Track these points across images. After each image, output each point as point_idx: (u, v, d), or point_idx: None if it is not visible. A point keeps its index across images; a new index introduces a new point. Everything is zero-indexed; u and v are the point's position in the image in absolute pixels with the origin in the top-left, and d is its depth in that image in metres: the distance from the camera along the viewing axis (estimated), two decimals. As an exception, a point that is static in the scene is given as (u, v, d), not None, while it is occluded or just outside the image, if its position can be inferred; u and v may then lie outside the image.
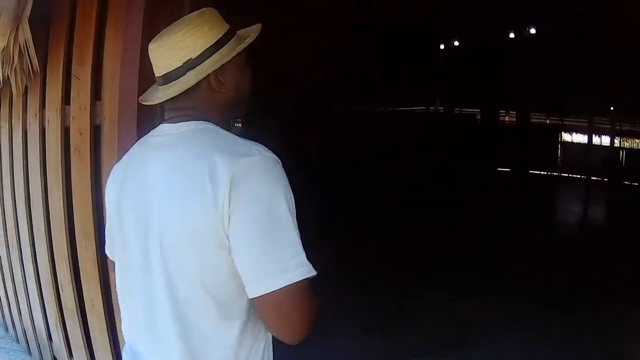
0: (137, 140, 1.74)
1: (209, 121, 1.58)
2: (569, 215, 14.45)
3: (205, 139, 1.53)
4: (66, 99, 3.42)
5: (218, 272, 1.47)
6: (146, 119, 2.41)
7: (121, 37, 2.64)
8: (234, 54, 1.60)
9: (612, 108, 19.94)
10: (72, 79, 3.20)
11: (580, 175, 20.39)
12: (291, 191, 1.48)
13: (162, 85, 1.62)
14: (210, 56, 1.57)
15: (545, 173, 21.23)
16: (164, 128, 1.62)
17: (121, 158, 1.73)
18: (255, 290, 1.44)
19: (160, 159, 1.56)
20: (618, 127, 20.80)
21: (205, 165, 1.43)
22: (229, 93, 1.63)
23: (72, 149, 3.20)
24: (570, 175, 21.17)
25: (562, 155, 22.33)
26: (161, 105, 1.67)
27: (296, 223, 1.47)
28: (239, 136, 1.58)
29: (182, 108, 1.60)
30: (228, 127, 1.65)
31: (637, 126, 20.93)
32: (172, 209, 1.49)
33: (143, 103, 1.74)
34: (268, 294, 1.42)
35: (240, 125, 15.05)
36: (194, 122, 1.57)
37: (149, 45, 1.62)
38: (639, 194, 17.50)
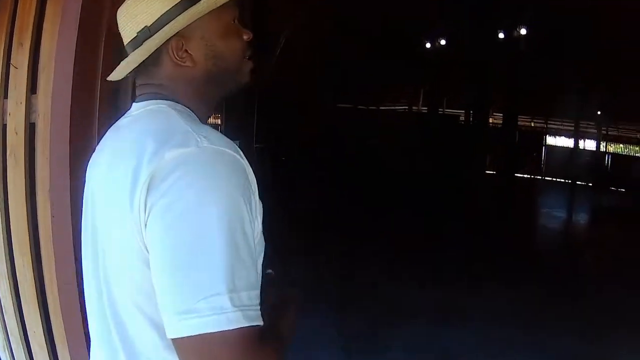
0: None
1: (177, 101, 1.34)
2: (549, 219, 14.44)
3: (148, 122, 1.29)
4: (7, 92, 2.93)
5: (149, 294, 1.16)
6: (81, 115, 1.97)
7: (59, 14, 2.15)
8: (194, 17, 1.31)
9: (599, 112, 19.74)
10: (10, 68, 2.71)
11: (565, 179, 20.20)
12: (244, 198, 1.15)
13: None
14: (170, 22, 1.30)
15: (530, 176, 21.05)
16: (132, 107, 1.40)
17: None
18: (167, 330, 1.11)
19: (110, 145, 1.36)
20: (604, 132, 20.66)
21: (134, 157, 1.18)
22: (200, 66, 1.35)
23: (7, 151, 2.71)
24: (555, 179, 21.01)
25: (546, 159, 22.16)
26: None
27: (240, 245, 1.11)
28: (206, 125, 1.30)
29: (148, 85, 1.38)
30: (208, 109, 1.41)
31: (622, 131, 20.82)
32: (105, 208, 1.28)
33: (110, 79, 1.48)
34: (176, 340, 1.09)
35: (219, 121, 14.71)
36: (155, 101, 1.34)
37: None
38: (622, 198, 17.32)
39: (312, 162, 16.87)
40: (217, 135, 1.21)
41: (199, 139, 1.17)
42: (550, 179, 21.27)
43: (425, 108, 24.36)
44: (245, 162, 1.19)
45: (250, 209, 1.16)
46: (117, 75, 1.43)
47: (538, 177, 21.47)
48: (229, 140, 1.21)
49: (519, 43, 16.06)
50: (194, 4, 1.31)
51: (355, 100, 23.15)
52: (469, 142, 18.55)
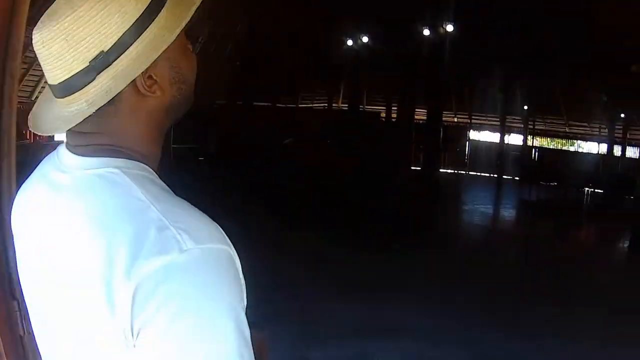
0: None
1: (129, 153, 1.06)
2: (469, 213, 14.97)
3: (105, 202, 1.00)
4: None
5: None
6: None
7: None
8: (177, 31, 1.04)
9: (525, 107, 19.93)
10: None
11: (490, 173, 20.35)
12: (241, 300, 0.97)
13: (60, 98, 1.05)
14: (134, 42, 1.01)
15: (454, 171, 21.16)
16: (68, 160, 1.08)
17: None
18: None
19: (57, 215, 1.05)
20: (531, 126, 20.89)
21: (100, 257, 0.94)
22: (167, 94, 1.08)
23: None
24: (480, 173, 21.18)
25: (470, 154, 22.35)
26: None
27: None
28: (160, 185, 1.06)
29: (90, 134, 1.06)
30: (160, 145, 1.14)
31: (549, 125, 21.13)
32: (62, 303, 1.04)
33: (37, 132, 1.15)
34: None
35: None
36: (106, 160, 1.04)
37: (33, 37, 1.03)
38: (552, 193, 17.45)
39: (232, 162, 16.61)
40: (196, 222, 0.98)
41: (179, 238, 0.94)
42: (475, 173, 21.41)
43: (346, 105, 24.16)
44: (231, 249, 0.99)
45: (244, 304, 1.00)
46: (60, 127, 1.07)
47: (462, 172, 21.58)
48: (207, 220, 0.99)
49: (445, 39, 15.93)
50: (158, 12, 1.03)
51: (273, 99, 22.96)
52: (393, 138, 18.47)
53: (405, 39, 16.73)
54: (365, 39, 19.07)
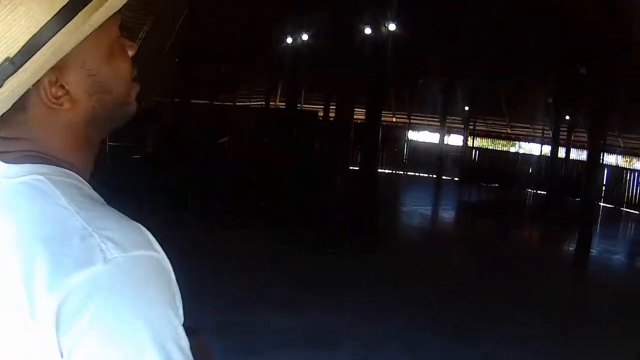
0: None
1: (54, 161, 0.97)
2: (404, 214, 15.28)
3: (26, 212, 0.92)
4: None
5: None
6: None
7: None
8: (82, 34, 0.93)
9: (466, 108, 20.12)
10: None
11: (429, 174, 20.48)
12: (172, 308, 0.89)
13: None
14: (42, 47, 0.91)
15: (392, 172, 21.22)
16: None
17: None
18: None
19: None
20: (471, 127, 21.10)
21: (21, 268, 0.87)
22: (81, 106, 0.97)
23: None
24: (418, 174, 21.28)
25: (408, 154, 22.47)
26: None
27: None
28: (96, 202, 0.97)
29: (14, 139, 0.97)
30: (92, 156, 1.04)
31: (490, 126, 21.37)
32: None
33: None
34: None
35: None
36: (27, 167, 0.95)
37: None
38: (492, 194, 17.69)
39: (170, 160, 16.34)
40: (121, 229, 0.90)
41: (103, 246, 0.86)
42: (413, 173, 21.52)
43: (283, 103, 24.04)
44: (159, 254, 0.90)
45: (178, 312, 0.92)
46: None
47: (400, 172, 21.67)
48: (134, 227, 0.91)
49: (387, 39, 15.92)
50: (75, 14, 0.92)
51: (210, 97, 22.70)
52: (331, 137, 18.47)
53: (346, 37, 16.68)
54: (305, 37, 18.92)
